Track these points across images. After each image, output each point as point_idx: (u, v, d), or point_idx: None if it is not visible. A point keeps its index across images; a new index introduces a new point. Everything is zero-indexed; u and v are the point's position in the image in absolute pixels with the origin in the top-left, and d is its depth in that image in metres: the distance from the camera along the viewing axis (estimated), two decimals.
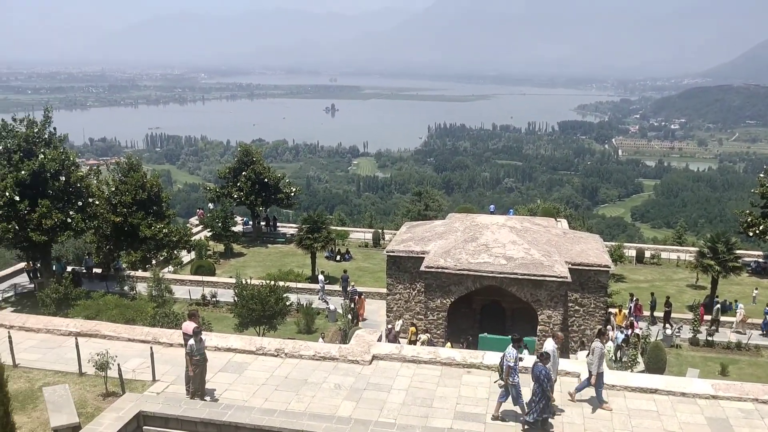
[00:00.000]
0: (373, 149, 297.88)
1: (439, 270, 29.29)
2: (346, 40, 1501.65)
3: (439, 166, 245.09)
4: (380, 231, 56.37)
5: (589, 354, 17.04)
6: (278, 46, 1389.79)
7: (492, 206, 46.78)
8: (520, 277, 28.37)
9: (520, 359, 16.73)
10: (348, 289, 38.13)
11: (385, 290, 33.76)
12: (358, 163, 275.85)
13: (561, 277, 28.07)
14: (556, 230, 34.62)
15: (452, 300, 29.56)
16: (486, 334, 28.99)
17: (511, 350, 15.72)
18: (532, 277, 28.25)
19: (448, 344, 28.17)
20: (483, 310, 31.28)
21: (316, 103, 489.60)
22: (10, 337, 18.10)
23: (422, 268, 29.68)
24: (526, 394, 15.80)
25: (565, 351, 29.30)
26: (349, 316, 33.28)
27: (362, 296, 36.69)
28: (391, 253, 32.01)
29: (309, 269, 44.51)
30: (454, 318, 30.26)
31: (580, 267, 29.52)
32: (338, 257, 49.81)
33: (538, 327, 28.64)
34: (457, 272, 29.05)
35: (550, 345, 16.59)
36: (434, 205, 66.19)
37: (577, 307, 30.15)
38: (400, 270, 31.88)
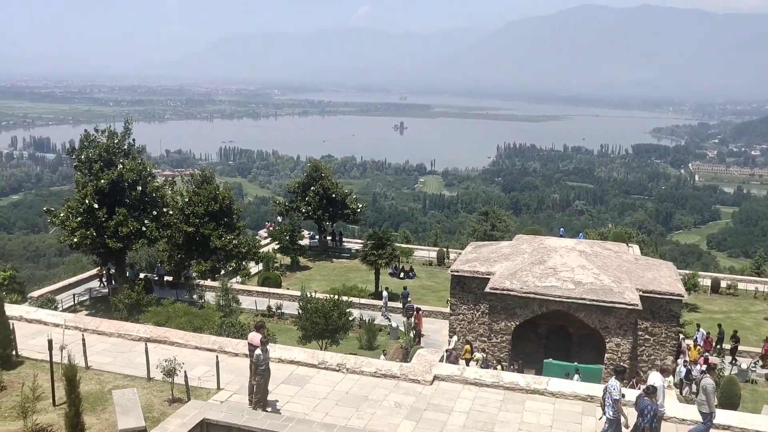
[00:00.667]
0: (440, 167, 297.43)
1: (505, 292, 28.84)
2: (418, 60, 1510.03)
3: (508, 186, 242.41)
4: (445, 250, 56.00)
5: (699, 393, 15.83)
6: (351, 65, 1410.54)
7: (561, 229, 45.98)
8: (588, 302, 27.64)
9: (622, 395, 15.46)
10: (405, 304, 38.01)
11: (448, 310, 33.46)
12: (425, 181, 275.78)
13: (631, 305, 27.21)
14: (627, 256, 33.64)
15: (517, 323, 29.03)
16: (551, 359, 28.31)
17: (614, 382, 14.99)
18: (601, 303, 27.47)
19: (499, 366, 27.66)
20: (549, 335, 30.57)
21: (386, 121, 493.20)
22: (83, 339, 18.72)
23: (487, 290, 29.28)
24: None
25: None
26: (411, 335, 33.09)
27: (420, 312, 36.45)
28: (456, 273, 31.73)
29: (373, 285, 44.58)
30: (518, 342, 29.69)
31: (651, 295, 28.54)
32: (402, 274, 49.72)
33: (606, 355, 27.79)
34: (523, 295, 28.54)
35: (657, 378, 15.66)
36: (501, 226, 65.37)
37: (647, 336, 29.12)
38: (464, 290, 31.56)
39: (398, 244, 51.39)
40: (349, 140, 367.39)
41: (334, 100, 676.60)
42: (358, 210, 58.96)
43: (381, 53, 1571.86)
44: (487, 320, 30.37)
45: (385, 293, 40.03)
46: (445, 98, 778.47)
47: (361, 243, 52.16)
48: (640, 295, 27.96)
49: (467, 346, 30.26)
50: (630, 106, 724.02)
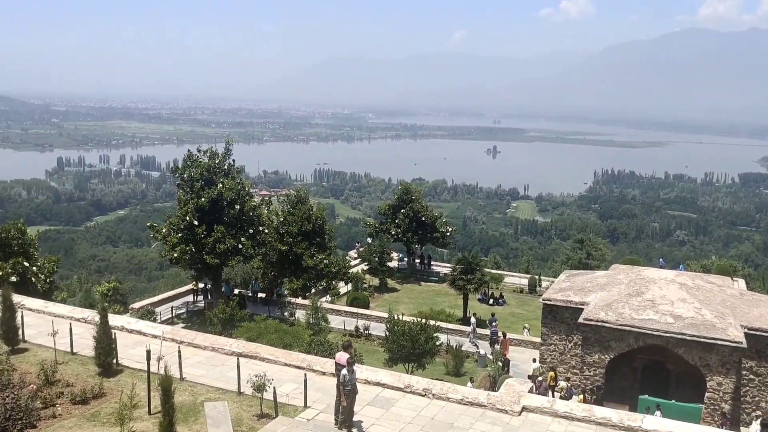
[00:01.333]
0: (533, 192, 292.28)
1: (599, 323, 27.82)
2: (513, 83, 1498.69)
3: (605, 214, 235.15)
4: (537, 277, 54.82)
5: None
6: (445, 89, 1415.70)
7: (661, 260, 44.12)
8: (688, 338, 26.23)
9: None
10: (490, 329, 37.34)
11: (538, 339, 32.60)
12: (517, 206, 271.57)
13: (735, 342, 25.62)
14: (732, 290, 31.80)
15: (611, 356, 27.90)
16: (647, 396, 26.99)
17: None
18: (702, 340, 26.01)
19: (579, 397, 26.61)
20: (645, 370, 29.17)
21: (478, 145, 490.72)
22: (179, 351, 19.37)
23: (581, 320, 28.34)
24: None
25: (735, 424, 26.59)
26: (500, 363, 32.44)
27: (506, 336, 35.67)
28: (548, 302, 30.91)
29: (461, 310, 44.10)
30: (612, 375, 28.51)
31: (758, 333, 26.79)
32: (491, 301, 48.96)
33: (707, 394, 26.23)
34: (619, 327, 27.42)
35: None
36: (597, 255, 63.34)
37: (752, 377, 27.31)
38: (556, 320, 30.68)
39: (488, 270, 50.69)
40: (441, 163, 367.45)
41: (427, 123, 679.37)
42: (448, 233, 58.75)
43: (475, 77, 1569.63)
44: (579, 352, 29.36)
45: (473, 319, 39.50)
46: (540, 123, 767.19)
47: (449, 267, 51.86)
48: (745, 333, 26.31)
49: (551, 373, 29.38)
50: (737, 133, 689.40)
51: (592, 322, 27.96)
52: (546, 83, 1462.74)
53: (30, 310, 23.55)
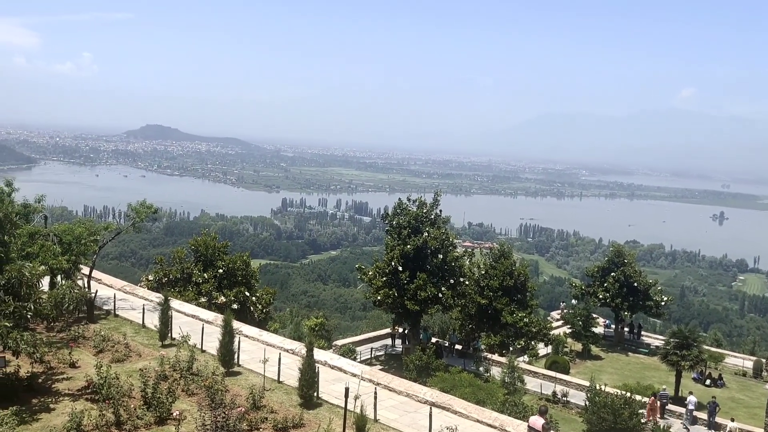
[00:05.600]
0: (764, 266, 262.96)
1: None
2: (746, 145, 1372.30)
3: None
4: (764, 360, 48.86)
5: None
6: (667, 148, 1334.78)
7: None
8: None
9: None
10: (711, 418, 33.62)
11: (761, 430, 28.82)
12: (745, 280, 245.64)
13: None
14: None
15: None
16: None
17: None
18: None
19: None
20: None
21: (702, 209, 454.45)
22: (375, 393, 19.74)
23: None
24: None
25: None
26: None
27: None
28: None
29: (672, 388, 40.45)
30: None
31: None
32: (708, 381, 44.37)
33: None
34: None
35: None
36: None
37: None
38: None
39: (706, 347, 46.39)
40: (659, 227, 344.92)
41: (645, 183, 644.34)
42: (663, 303, 54.91)
43: (702, 137, 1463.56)
44: None
45: (692, 398, 35.85)
46: None
47: (662, 339, 48.28)
48: None
49: None
50: None
51: None
52: None
53: (246, 336, 25.47)
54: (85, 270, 28.74)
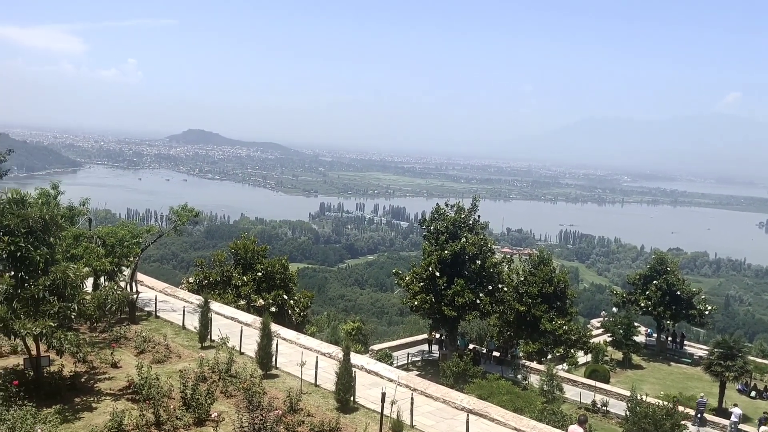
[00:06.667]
0: None
1: None
2: None
3: None
4: None
5: None
6: (712, 154, 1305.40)
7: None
8: None
9: None
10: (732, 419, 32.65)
11: None
12: None
13: None
14: None
15: None
16: None
17: None
18: None
19: None
20: None
21: (749, 217, 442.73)
22: (412, 398, 19.66)
23: None
24: None
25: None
26: None
27: None
28: None
29: (715, 399, 39.46)
30: None
31: None
32: (753, 393, 43.20)
33: None
34: None
35: None
36: None
37: None
38: None
39: (752, 358, 45.26)
40: (703, 234, 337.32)
41: (689, 190, 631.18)
42: (707, 312, 53.66)
43: (749, 143, 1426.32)
44: None
45: (737, 410, 34.91)
46: None
47: (706, 349, 47.25)
48: None
49: None
50: None
51: None
52: None
53: (284, 339, 25.62)
54: (128, 272, 29.28)
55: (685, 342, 55.67)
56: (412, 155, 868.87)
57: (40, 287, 16.17)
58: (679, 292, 52.21)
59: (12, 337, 16.42)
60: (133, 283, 29.53)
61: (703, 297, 55.54)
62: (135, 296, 27.51)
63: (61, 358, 18.69)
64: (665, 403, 29.23)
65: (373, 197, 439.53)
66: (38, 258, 16.32)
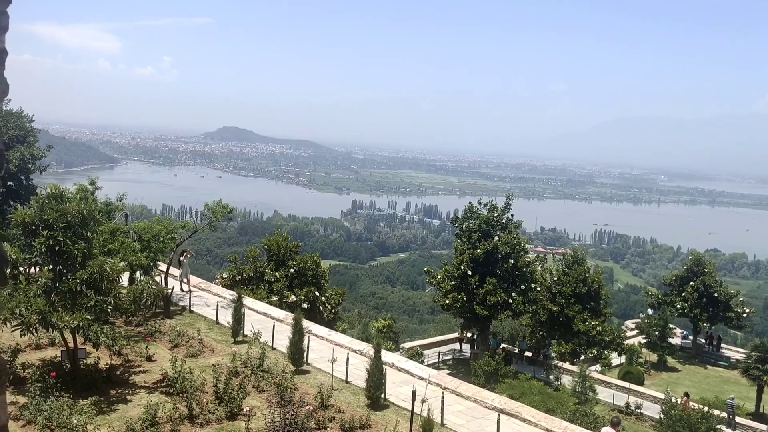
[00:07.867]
0: None
1: None
2: None
3: None
4: None
5: None
6: (752, 154, 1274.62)
7: None
8: None
9: None
10: None
11: None
12: None
13: None
14: None
15: None
16: None
17: None
18: None
19: None
20: None
21: None
22: (443, 397, 19.58)
23: None
24: None
25: None
26: None
27: None
28: None
29: (752, 404, 38.66)
30: None
31: None
32: None
33: None
34: None
35: None
36: None
37: None
38: None
39: None
40: (742, 235, 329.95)
41: (728, 190, 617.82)
42: (744, 315, 52.64)
43: None
44: None
45: None
46: None
47: (743, 353, 46.23)
48: None
49: None
50: None
51: None
52: None
53: (315, 335, 25.73)
54: (163, 267, 29.68)
55: (722, 345, 54.60)
56: (444, 153, 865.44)
57: (78, 281, 16.48)
58: (716, 294, 51.29)
59: (50, 329, 16.76)
60: (168, 278, 29.95)
61: (741, 299, 54.55)
62: (169, 291, 27.84)
63: (97, 350, 19.03)
64: (701, 406, 28.73)
65: (405, 195, 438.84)
66: (76, 252, 16.62)
